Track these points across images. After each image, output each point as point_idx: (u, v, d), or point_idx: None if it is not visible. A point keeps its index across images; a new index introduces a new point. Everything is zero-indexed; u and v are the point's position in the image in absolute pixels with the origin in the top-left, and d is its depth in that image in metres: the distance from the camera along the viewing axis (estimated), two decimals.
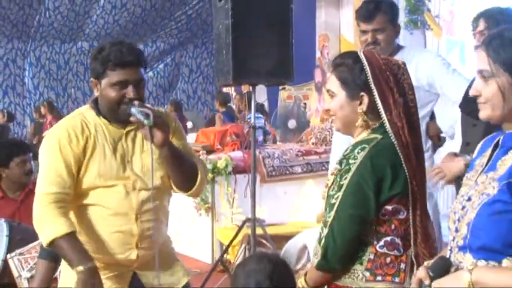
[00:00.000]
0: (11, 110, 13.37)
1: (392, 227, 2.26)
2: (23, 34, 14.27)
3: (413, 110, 2.36)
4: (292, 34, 4.29)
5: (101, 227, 2.73)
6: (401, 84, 2.33)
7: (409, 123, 2.30)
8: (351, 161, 2.25)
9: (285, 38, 4.25)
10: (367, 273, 2.26)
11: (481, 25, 3.37)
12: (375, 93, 2.27)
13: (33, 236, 3.45)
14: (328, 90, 2.37)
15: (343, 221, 2.22)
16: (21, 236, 3.63)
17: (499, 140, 1.88)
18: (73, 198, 2.69)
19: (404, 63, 2.41)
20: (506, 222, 1.72)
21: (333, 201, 2.25)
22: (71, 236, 2.57)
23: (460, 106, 3.53)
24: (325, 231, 2.24)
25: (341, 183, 2.25)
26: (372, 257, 2.26)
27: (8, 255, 3.54)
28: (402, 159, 2.23)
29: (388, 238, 2.26)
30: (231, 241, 5.71)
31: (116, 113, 2.72)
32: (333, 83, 2.35)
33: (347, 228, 2.23)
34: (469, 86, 3.47)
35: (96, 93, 2.76)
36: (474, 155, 2.01)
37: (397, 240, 2.27)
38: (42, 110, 12.69)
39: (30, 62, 14.72)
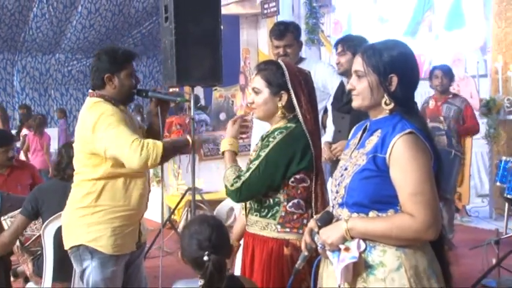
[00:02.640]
0: (4, 107, 12.76)
1: (299, 192, 2.28)
2: (12, 47, 13.87)
3: (316, 106, 2.39)
4: (221, 48, 4.26)
5: (138, 189, 2.69)
6: (309, 87, 2.35)
7: (314, 116, 2.34)
8: (270, 139, 2.26)
9: (216, 51, 4.22)
10: (279, 226, 2.28)
11: (339, 48, 3.53)
12: (291, 92, 2.29)
13: (19, 203, 3.39)
14: (253, 88, 2.34)
15: (253, 183, 2.25)
16: (10, 203, 3.56)
17: (367, 126, 1.93)
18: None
19: (309, 72, 2.43)
20: (371, 184, 1.77)
21: (251, 166, 2.26)
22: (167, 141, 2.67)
23: (332, 104, 3.64)
24: (239, 182, 2.28)
25: (260, 153, 2.26)
26: (283, 214, 2.28)
27: (2, 218, 3.47)
28: (310, 143, 2.26)
29: (296, 200, 2.28)
30: (176, 205, 5.71)
31: (130, 98, 2.69)
32: (259, 82, 2.32)
33: (254, 189, 2.27)
34: (337, 90, 3.61)
35: (110, 87, 2.60)
36: (349, 137, 2.04)
37: (302, 202, 2.29)
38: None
39: (18, 70, 14.29)
